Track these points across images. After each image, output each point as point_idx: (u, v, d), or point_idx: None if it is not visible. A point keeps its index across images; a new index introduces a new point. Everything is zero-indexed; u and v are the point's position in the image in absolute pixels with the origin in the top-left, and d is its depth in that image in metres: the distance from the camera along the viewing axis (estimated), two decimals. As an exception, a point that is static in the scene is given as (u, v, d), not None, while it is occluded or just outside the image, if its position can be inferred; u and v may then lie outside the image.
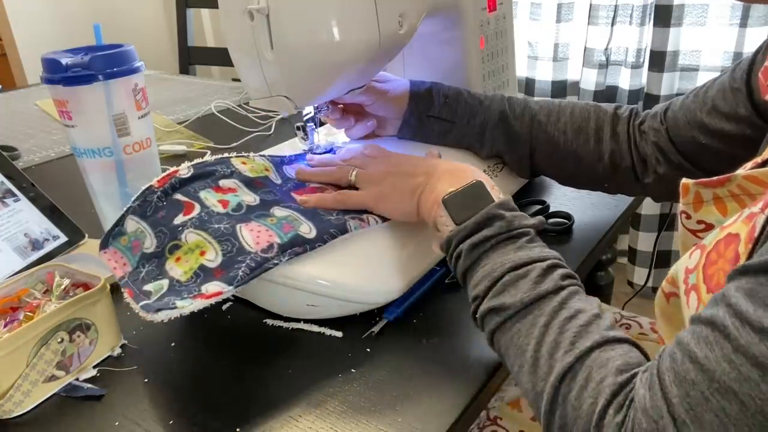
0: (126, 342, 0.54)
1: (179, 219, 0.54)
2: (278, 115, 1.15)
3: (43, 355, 0.47)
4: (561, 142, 0.68)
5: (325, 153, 0.73)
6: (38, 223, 0.68)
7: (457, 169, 0.55)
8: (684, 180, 0.45)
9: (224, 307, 0.59)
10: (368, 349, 0.52)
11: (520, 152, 0.70)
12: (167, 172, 0.58)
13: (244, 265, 0.50)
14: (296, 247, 0.53)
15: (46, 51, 0.65)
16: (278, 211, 0.57)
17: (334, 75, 0.61)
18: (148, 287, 0.51)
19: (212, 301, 0.48)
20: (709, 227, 0.44)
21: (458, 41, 0.75)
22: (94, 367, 0.51)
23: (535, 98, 0.71)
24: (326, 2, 0.57)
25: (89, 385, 0.50)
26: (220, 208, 0.56)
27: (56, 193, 0.72)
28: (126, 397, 0.49)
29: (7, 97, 1.47)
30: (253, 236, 0.53)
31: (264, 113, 1.18)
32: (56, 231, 0.69)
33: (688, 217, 0.45)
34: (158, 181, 0.57)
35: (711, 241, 0.39)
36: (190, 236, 0.53)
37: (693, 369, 0.33)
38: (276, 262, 0.52)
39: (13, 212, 0.66)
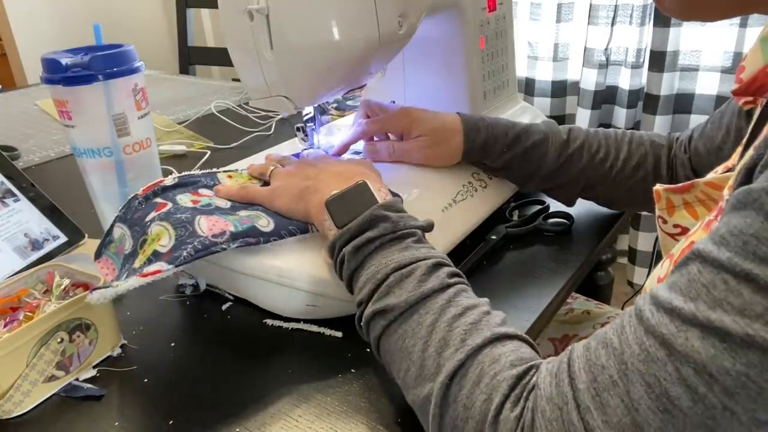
0: (126, 342, 0.54)
1: (150, 216, 0.55)
2: (278, 115, 1.15)
3: (43, 355, 0.47)
4: (618, 181, 0.66)
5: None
6: (38, 223, 0.68)
7: (345, 170, 0.54)
8: (656, 186, 0.45)
9: (224, 307, 0.59)
10: (368, 349, 0.52)
11: (572, 192, 0.69)
12: (154, 181, 0.59)
13: (190, 246, 0.50)
14: (249, 237, 0.53)
15: (46, 51, 0.65)
16: (243, 212, 0.58)
17: (334, 75, 0.61)
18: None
19: (149, 279, 0.48)
20: (685, 230, 0.45)
21: (458, 41, 0.75)
22: (94, 367, 0.51)
23: (593, 130, 0.69)
24: (326, 2, 0.57)
25: (89, 385, 0.49)
26: (190, 205, 0.57)
27: (56, 193, 0.72)
28: (126, 397, 0.49)
29: (7, 97, 1.47)
30: (208, 224, 0.53)
31: (264, 113, 1.18)
32: (56, 231, 0.69)
33: (665, 221, 0.46)
34: (143, 190, 0.58)
35: (678, 249, 0.40)
36: (154, 228, 0.53)
37: (605, 354, 0.33)
38: (224, 246, 0.51)
39: (13, 212, 0.66)
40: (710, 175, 0.44)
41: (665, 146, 0.67)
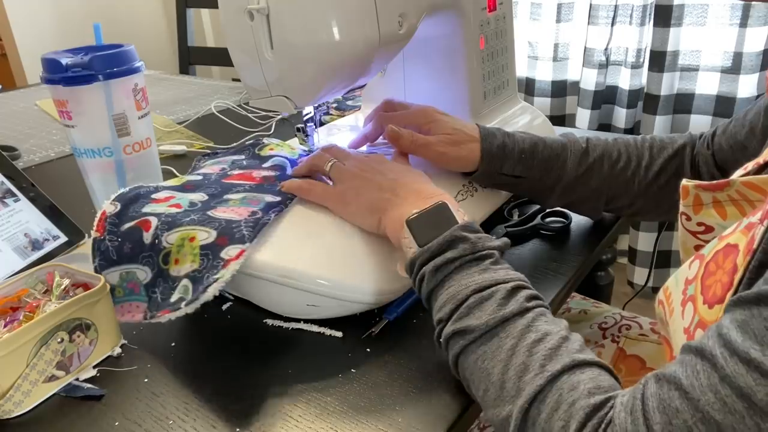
0: (126, 342, 0.54)
1: (147, 237, 0.55)
2: (278, 115, 1.15)
3: (43, 355, 0.47)
4: (642, 189, 0.65)
5: None
6: (38, 223, 0.68)
7: (423, 190, 0.54)
8: (684, 182, 0.44)
9: (224, 307, 0.59)
10: (368, 349, 0.52)
11: (596, 205, 0.67)
12: (96, 218, 0.57)
13: (242, 227, 0.53)
14: (274, 208, 0.57)
15: (46, 51, 0.65)
16: (233, 196, 0.60)
17: (334, 75, 0.61)
18: (174, 298, 0.51)
19: (242, 260, 0.51)
20: (710, 229, 0.44)
21: (458, 41, 0.75)
22: (94, 367, 0.51)
23: (612, 138, 0.67)
24: (326, 2, 0.57)
25: (89, 385, 0.50)
26: (176, 210, 0.57)
27: (56, 193, 0.72)
28: (126, 397, 0.49)
29: (7, 97, 1.47)
30: (229, 213, 0.55)
31: (264, 113, 1.18)
32: (56, 231, 0.69)
33: (689, 219, 0.45)
34: (97, 230, 0.56)
35: (710, 251, 0.39)
36: (170, 237, 0.54)
37: (678, 396, 0.32)
38: (267, 219, 0.55)
39: (13, 212, 0.66)
40: (739, 172, 0.43)
41: (687, 146, 0.66)
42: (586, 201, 0.67)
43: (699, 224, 0.45)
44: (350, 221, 0.57)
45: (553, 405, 0.38)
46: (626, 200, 0.66)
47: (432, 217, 0.50)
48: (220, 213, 0.56)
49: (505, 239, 0.51)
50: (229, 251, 0.51)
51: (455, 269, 0.47)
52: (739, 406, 0.30)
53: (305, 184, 0.60)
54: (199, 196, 0.60)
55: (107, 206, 0.58)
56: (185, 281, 0.52)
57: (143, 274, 0.54)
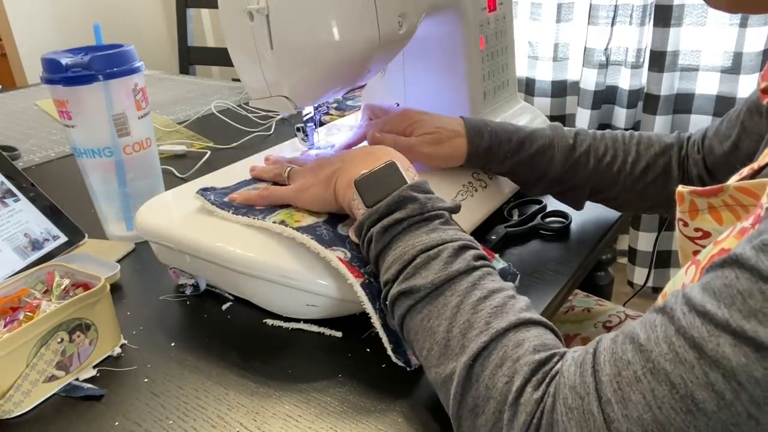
0: (126, 342, 0.54)
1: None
2: (278, 115, 1.15)
3: (43, 355, 0.47)
4: (627, 185, 0.66)
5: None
6: (38, 223, 0.68)
7: (372, 152, 0.54)
8: (679, 188, 0.44)
9: (224, 307, 0.59)
10: (368, 349, 0.52)
11: (580, 196, 0.68)
12: (340, 266, 0.50)
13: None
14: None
15: (46, 51, 0.65)
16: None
17: (334, 75, 0.61)
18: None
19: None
20: (707, 235, 0.44)
21: (458, 41, 0.75)
22: (94, 367, 0.51)
23: (600, 133, 0.68)
24: (326, 2, 0.57)
25: (89, 385, 0.50)
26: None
27: (56, 193, 0.72)
28: (126, 397, 0.49)
29: (7, 97, 1.47)
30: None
31: (264, 113, 1.18)
32: (56, 231, 0.69)
33: (686, 224, 0.45)
34: (357, 276, 0.50)
35: (705, 256, 0.39)
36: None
37: (631, 349, 0.33)
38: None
39: (13, 212, 0.66)
40: (734, 178, 0.43)
41: (675, 145, 0.66)
42: (571, 192, 0.68)
43: (696, 230, 0.45)
44: (312, 207, 0.57)
45: (497, 361, 0.38)
46: (612, 193, 0.67)
47: (380, 177, 0.50)
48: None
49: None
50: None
51: (403, 230, 0.47)
52: (690, 355, 0.30)
53: (263, 191, 0.59)
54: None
55: (338, 253, 0.52)
56: None
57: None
